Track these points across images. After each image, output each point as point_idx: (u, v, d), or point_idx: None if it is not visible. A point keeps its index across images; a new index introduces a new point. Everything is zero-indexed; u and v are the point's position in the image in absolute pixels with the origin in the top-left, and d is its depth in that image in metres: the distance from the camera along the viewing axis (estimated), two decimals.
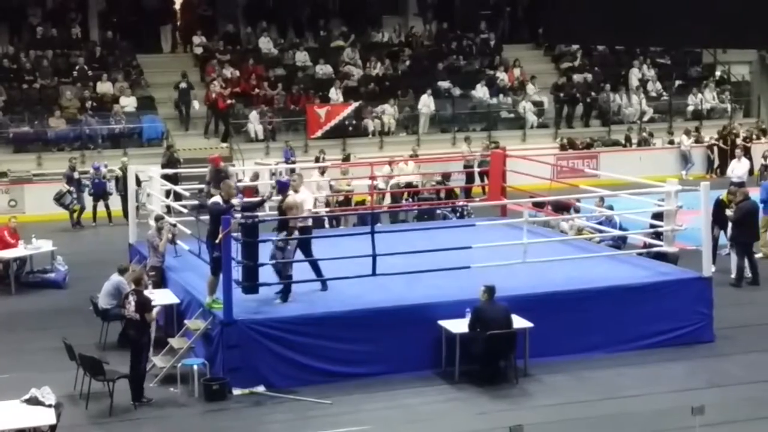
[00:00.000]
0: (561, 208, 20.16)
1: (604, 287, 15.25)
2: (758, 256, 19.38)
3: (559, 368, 14.27)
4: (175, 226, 16.93)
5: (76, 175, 25.35)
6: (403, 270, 14.93)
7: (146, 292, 15.59)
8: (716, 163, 31.86)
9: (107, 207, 25.38)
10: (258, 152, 29.68)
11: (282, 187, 15.22)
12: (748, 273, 18.67)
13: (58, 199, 24.98)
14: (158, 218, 16.92)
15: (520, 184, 21.20)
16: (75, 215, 25.21)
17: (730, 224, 18.88)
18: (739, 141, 31.51)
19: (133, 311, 13.40)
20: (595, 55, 35.78)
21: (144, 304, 13.42)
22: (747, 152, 30.62)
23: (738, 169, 24.01)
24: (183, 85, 30.58)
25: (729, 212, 18.69)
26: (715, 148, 32.20)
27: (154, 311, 13.76)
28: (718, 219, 18.84)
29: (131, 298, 13.50)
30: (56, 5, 32.70)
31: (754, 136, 32.91)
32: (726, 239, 19.29)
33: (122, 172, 24.87)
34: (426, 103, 31.82)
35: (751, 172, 27.11)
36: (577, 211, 20.27)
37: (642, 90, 34.67)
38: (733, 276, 18.73)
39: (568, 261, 16.11)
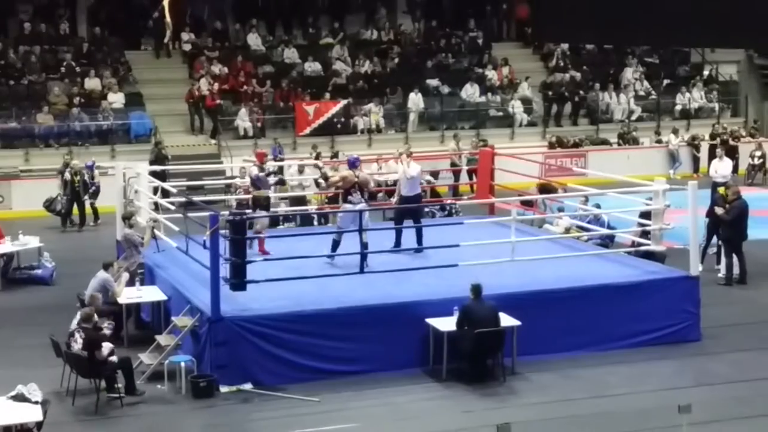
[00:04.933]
0: (546, 190, 20.20)
1: (592, 286, 15.26)
2: None
3: (546, 366, 14.29)
4: (156, 221, 16.94)
5: (67, 173, 25.14)
6: (391, 268, 14.94)
7: (135, 289, 15.68)
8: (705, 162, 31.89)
9: (92, 205, 25.17)
10: (246, 149, 29.60)
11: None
12: (735, 271, 18.71)
13: (48, 206, 24.83)
14: (128, 216, 16.90)
15: (509, 183, 21.22)
16: (67, 219, 24.96)
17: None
18: (732, 141, 31.58)
19: (79, 349, 13.08)
20: (584, 54, 35.84)
21: (93, 341, 13.03)
22: (734, 151, 30.84)
23: (721, 168, 24.00)
24: (155, 14, 30.85)
25: (720, 211, 18.68)
26: (704, 147, 32.25)
27: (105, 348, 13.22)
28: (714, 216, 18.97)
29: (77, 336, 13.15)
30: (45, 1, 32.60)
31: (741, 136, 33.03)
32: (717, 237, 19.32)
33: (71, 175, 24.50)
34: (415, 102, 31.83)
35: (735, 170, 27.20)
36: (561, 209, 20.30)
37: (630, 89, 34.74)
38: (722, 275, 18.78)
39: (556, 259, 16.12)
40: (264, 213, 16.61)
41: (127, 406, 13.16)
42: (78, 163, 25.08)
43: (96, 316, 13.67)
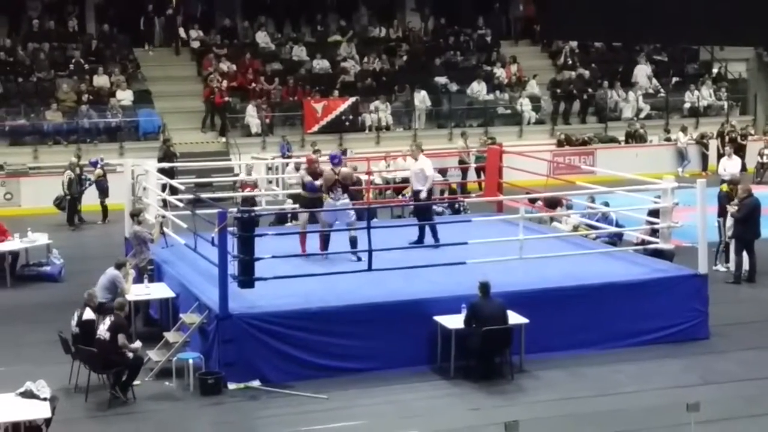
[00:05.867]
0: (552, 205, 20.17)
1: (600, 284, 15.25)
2: None
3: (554, 364, 14.28)
4: (164, 217, 16.99)
5: (77, 170, 25.19)
6: (399, 265, 14.95)
7: (143, 286, 15.71)
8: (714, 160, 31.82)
9: (103, 203, 25.20)
10: (255, 146, 29.68)
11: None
12: (745, 268, 18.68)
13: (59, 204, 24.87)
14: (136, 213, 16.93)
15: (517, 180, 21.20)
16: (75, 217, 24.99)
17: (730, 219, 18.87)
18: (740, 139, 31.51)
19: (105, 330, 13.14)
20: (592, 52, 35.81)
21: (120, 326, 13.19)
22: (741, 149, 30.81)
23: (730, 167, 23.92)
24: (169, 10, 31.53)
25: (731, 209, 18.68)
26: (712, 145, 32.22)
27: (137, 344, 13.46)
28: (722, 211, 18.96)
29: (107, 319, 13.27)
30: None
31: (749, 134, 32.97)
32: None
33: (73, 172, 24.53)
34: (420, 100, 31.74)
35: (744, 168, 27.15)
36: (570, 208, 20.27)
37: (640, 87, 34.68)
38: (731, 271, 18.78)
39: (564, 257, 16.09)
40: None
41: (135, 403, 13.18)
42: (75, 161, 25.13)
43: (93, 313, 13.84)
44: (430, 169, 17.25)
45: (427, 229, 16.99)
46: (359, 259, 15.55)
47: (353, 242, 15.83)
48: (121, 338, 13.15)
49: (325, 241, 16.27)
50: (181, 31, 32.76)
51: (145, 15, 32.56)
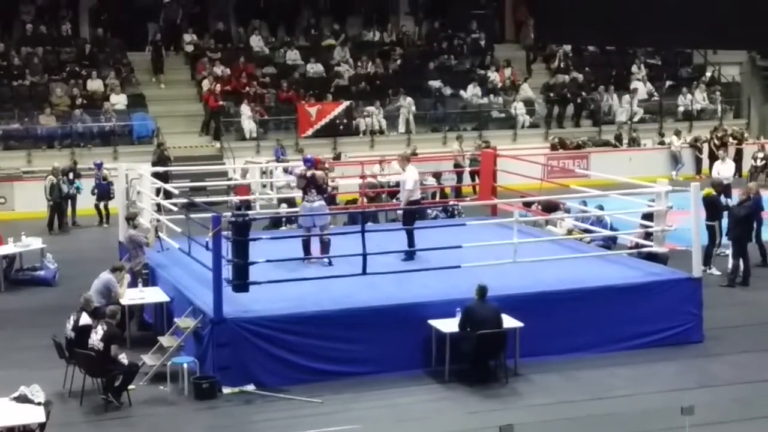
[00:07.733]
0: (550, 208, 20.18)
1: (594, 287, 15.26)
2: None
3: (549, 368, 14.29)
4: (158, 221, 16.97)
5: (71, 175, 25.14)
6: (393, 269, 14.95)
7: (137, 290, 15.68)
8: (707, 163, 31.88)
9: (106, 208, 25.14)
10: (249, 150, 29.67)
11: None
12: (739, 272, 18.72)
13: None
14: (131, 217, 16.92)
15: (511, 184, 21.22)
16: (62, 221, 24.94)
17: (728, 223, 18.91)
18: (731, 142, 31.56)
19: (98, 339, 13.09)
20: (586, 55, 35.85)
21: (113, 336, 13.12)
22: (738, 153, 30.86)
23: (723, 170, 23.94)
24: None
25: (731, 202, 18.75)
26: (705, 149, 32.29)
27: (123, 356, 13.33)
28: (713, 215, 18.99)
29: (99, 328, 13.17)
30: (47, 2, 32.65)
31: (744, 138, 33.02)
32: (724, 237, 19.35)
33: (55, 177, 24.46)
34: (407, 106, 31.61)
35: (738, 173, 27.17)
36: (568, 211, 20.29)
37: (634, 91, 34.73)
38: (727, 274, 18.82)
39: (559, 261, 16.12)
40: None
41: (129, 408, 13.16)
42: (59, 166, 25.11)
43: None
44: (411, 182, 16.90)
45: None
46: (330, 264, 15.56)
47: (325, 246, 15.85)
48: (114, 349, 13.10)
49: (306, 247, 16.21)
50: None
51: (153, 42, 32.42)
